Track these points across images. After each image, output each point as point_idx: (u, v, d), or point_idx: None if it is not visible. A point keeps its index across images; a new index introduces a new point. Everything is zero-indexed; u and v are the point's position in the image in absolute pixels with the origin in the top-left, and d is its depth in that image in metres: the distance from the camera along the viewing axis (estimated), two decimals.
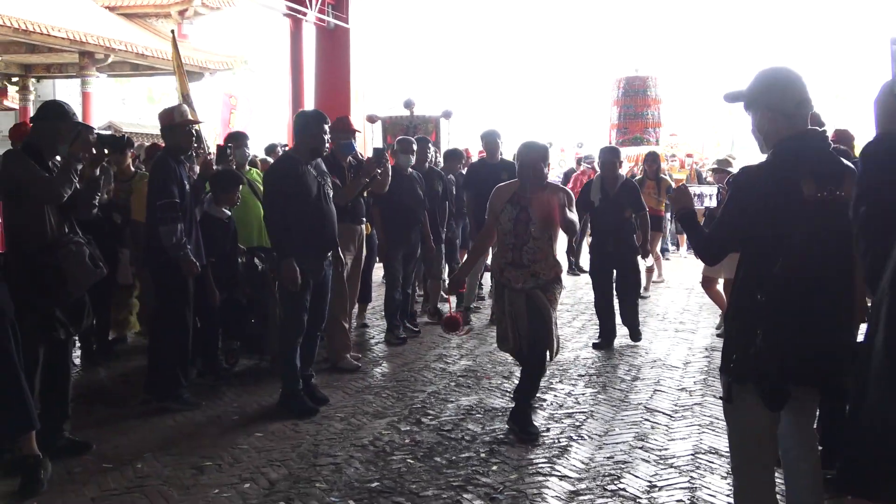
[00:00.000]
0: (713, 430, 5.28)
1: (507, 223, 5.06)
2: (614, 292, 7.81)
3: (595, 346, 7.62)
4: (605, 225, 7.69)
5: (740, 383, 2.85)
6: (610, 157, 7.78)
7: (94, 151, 4.85)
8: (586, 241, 10.96)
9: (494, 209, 5.18)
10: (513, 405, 5.34)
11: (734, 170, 9.71)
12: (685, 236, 14.24)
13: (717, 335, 8.29)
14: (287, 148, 10.02)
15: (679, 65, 41.53)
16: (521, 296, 5.05)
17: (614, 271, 7.75)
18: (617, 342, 7.65)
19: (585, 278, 10.26)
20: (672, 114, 18.02)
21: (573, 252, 12.01)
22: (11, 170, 4.33)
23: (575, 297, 10.63)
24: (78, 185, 4.69)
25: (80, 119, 4.77)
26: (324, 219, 5.64)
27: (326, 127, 5.71)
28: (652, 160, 11.30)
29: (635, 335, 7.75)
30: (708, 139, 21.75)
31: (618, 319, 7.83)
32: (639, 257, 8.13)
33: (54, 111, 4.71)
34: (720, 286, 8.37)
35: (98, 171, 4.96)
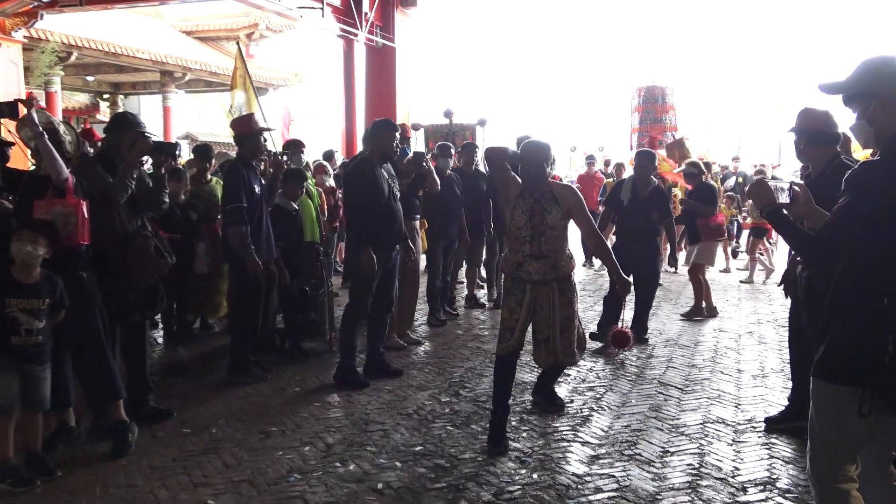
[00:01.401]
0: (720, 403, 5.23)
1: (522, 216, 4.42)
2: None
3: (591, 336, 6.74)
4: (632, 224, 7.00)
5: (876, 394, 2.30)
6: (644, 160, 7.12)
7: (150, 158, 4.83)
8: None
9: (508, 198, 4.55)
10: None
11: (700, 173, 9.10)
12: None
13: (681, 317, 8.10)
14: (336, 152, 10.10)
15: (691, 75, 41.31)
16: (544, 288, 4.45)
17: (632, 276, 7.13)
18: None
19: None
20: (685, 119, 17.85)
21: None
22: (82, 176, 4.38)
23: (596, 284, 10.57)
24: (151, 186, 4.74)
25: (149, 128, 4.72)
26: (393, 215, 5.64)
27: (397, 134, 5.75)
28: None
29: (640, 335, 6.90)
30: (713, 142, 21.50)
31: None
32: (664, 264, 7.61)
33: (119, 123, 4.67)
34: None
35: (163, 171, 4.96)
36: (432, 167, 6.93)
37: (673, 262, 7.81)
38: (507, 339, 4.44)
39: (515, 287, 4.48)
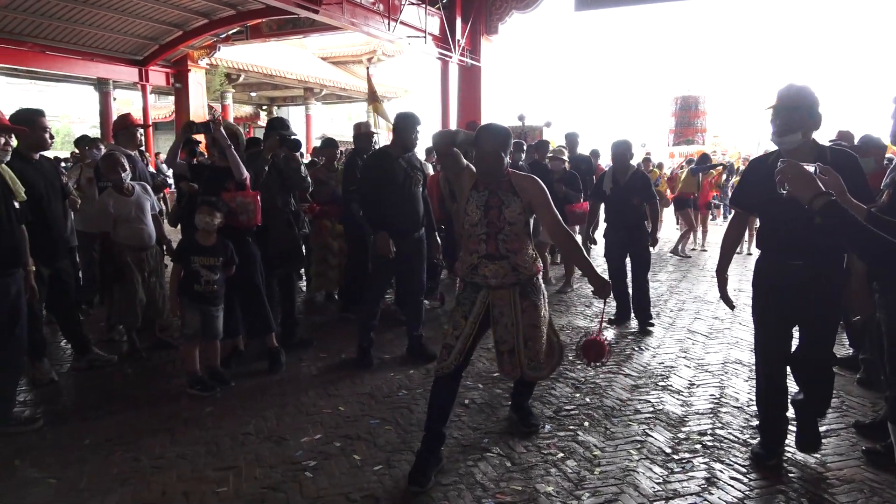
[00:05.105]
0: (738, 348, 4.99)
1: (476, 211, 2.99)
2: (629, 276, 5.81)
3: (610, 321, 5.76)
4: (616, 212, 5.70)
5: None
6: (621, 149, 5.65)
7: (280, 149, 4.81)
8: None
9: (461, 191, 3.12)
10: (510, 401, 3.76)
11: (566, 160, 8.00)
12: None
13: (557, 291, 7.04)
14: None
15: (722, 83, 39.34)
16: (503, 292, 3.02)
17: (627, 257, 5.74)
18: (662, 284, 7.25)
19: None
20: (716, 120, 17.18)
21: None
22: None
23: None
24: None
25: (294, 130, 4.75)
26: (405, 203, 4.49)
27: (418, 128, 4.50)
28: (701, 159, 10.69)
29: (644, 327, 5.55)
30: (739, 141, 20.39)
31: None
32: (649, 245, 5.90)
33: (269, 125, 4.78)
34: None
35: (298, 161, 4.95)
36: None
37: (653, 242, 5.85)
38: (444, 359, 3.03)
39: (467, 296, 3.08)
